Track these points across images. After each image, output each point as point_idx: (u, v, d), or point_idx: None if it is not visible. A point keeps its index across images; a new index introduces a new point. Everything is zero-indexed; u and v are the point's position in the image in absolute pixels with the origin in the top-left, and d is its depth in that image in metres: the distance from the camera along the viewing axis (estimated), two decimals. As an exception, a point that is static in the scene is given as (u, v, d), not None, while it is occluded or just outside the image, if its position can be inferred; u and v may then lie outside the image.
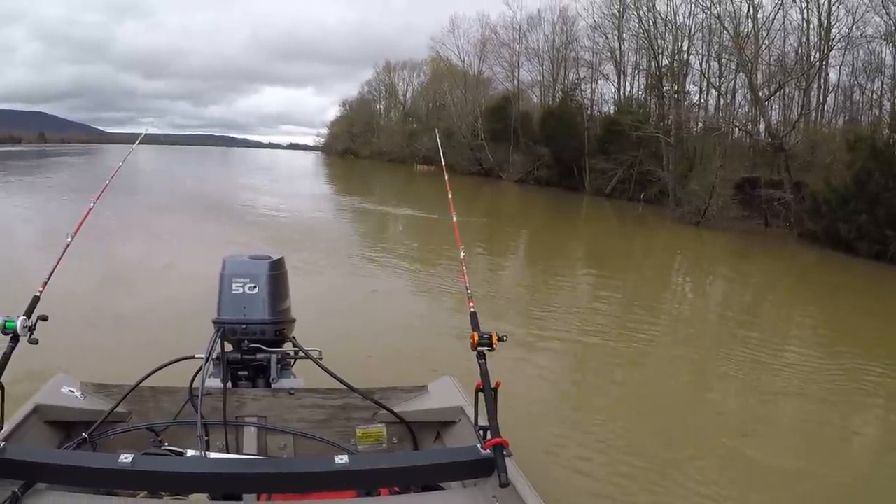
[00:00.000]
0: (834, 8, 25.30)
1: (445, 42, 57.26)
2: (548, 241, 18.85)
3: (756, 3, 26.80)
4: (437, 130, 5.91)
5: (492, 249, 16.21)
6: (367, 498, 2.17)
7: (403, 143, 63.94)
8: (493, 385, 2.13)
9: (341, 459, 1.97)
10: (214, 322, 3.03)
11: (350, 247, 14.96)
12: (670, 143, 29.39)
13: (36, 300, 2.24)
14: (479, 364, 2.17)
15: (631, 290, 11.78)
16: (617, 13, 36.15)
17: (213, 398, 2.72)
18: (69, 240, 2.51)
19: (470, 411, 2.51)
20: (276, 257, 3.24)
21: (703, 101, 33.26)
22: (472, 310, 2.36)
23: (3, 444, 1.91)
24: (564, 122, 37.51)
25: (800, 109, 26.32)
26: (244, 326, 3.03)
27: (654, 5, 32.65)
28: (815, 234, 19.42)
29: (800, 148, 24.55)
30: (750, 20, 27.07)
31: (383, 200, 27.77)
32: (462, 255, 2.73)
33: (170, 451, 2.34)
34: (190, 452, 2.33)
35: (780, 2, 26.63)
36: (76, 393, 2.83)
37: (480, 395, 2.14)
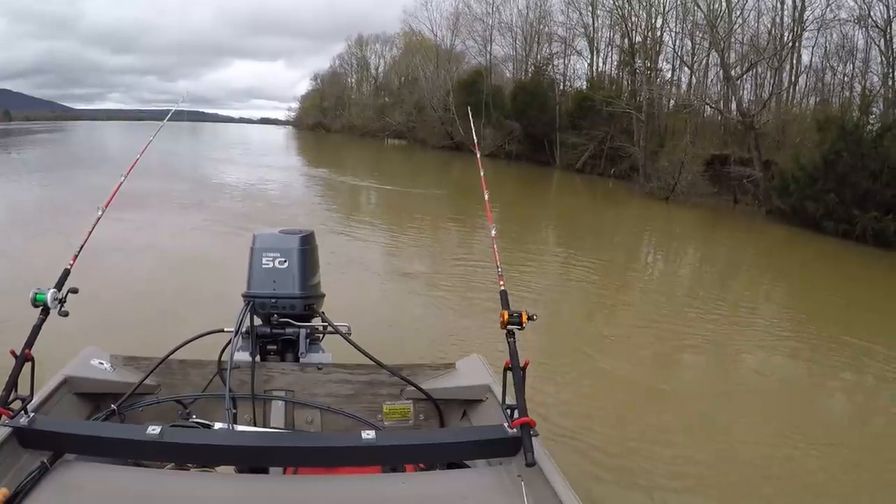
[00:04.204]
0: (809, -12, 25.21)
1: (418, 15, 57.09)
2: (518, 215, 18.71)
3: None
4: (469, 110, 5.91)
5: (462, 223, 16.20)
6: (392, 473, 2.18)
7: (375, 117, 63.62)
8: (521, 364, 2.09)
9: (368, 435, 1.97)
10: (244, 296, 3.02)
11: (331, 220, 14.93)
12: (641, 119, 29.28)
13: (66, 273, 2.24)
14: (509, 343, 2.14)
15: (598, 265, 11.70)
16: (592, -11, 35.86)
17: (242, 372, 2.75)
18: (100, 213, 2.53)
19: (497, 390, 2.52)
20: (306, 232, 3.20)
21: (675, 78, 33.30)
22: (502, 288, 2.34)
23: (32, 414, 1.96)
24: (536, 97, 37.32)
25: (771, 89, 26.34)
26: (274, 301, 3.00)
27: (628, -19, 32.40)
28: (782, 212, 19.47)
29: (770, 127, 24.70)
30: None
31: (369, 175, 27.78)
32: (493, 232, 2.64)
33: (197, 423, 2.37)
34: (218, 425, 2.36)
35: (754, -20, 26.50)
36: (105, 365, 2.85)
37: (509, 373, 2.12)
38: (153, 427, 1.90)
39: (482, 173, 3.10)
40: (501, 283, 2.36)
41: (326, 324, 3.07)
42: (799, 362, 7.26)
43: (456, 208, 19.44)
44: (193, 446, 1.95)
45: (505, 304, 2.24)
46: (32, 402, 2.03)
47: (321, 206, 18.69)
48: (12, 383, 1.93)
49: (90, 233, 2.41)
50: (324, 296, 3.25)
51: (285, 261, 3.05)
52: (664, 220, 20.37)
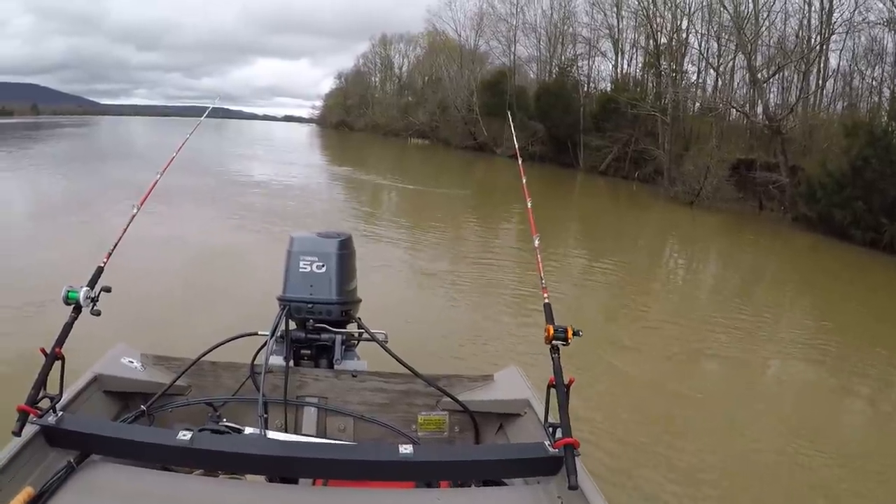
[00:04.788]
0: (836, -9, 24.86)
1: (442, 15, 56.92)
2: (540, 217, 18.64)
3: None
4: (509, 113, 5.85)
5: (485, 224, 16.18)
6: (426, 489, 2.13)
7: (398, 116, 63.69)
8: (565, 381, 2.01)
9: (406, 450, 1.92)
10: (280, 300, 2.99)
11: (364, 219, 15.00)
12: (666, 122, 29.07)
13: (100, 271, 2.22)
14: (553, 359, 2.06)
15: (620, 270, 11.61)
16: (616, -11, 35.64)
17: (275, 376, 2.71)
18: (135, 211, 2.50)
19: (536, 404, 2.51)
20: (344, 236, 3.18)
21: (700, 80, 32.94)
22: (546, 301, 2.24)
23: (61, 413, 1.94)
24: (560, 99, 37.06)
25: (798, 93, 25.99)
26: (310, 305, 2.97)
27: (653, -18, 32.18)
28: (809, 219, 19.23)
29: (797, 132, 24.28)
30: (750, 1, 26.67)
31: (393, 174, 27.76)
32: (537, 242, 2.57)
33: (228, 427, 2.33)
34: (248, 430, 2.34)
35: (781, -18, 26.20)
36: (135, 364, 2.82)
37: (552, 390, 2.04)
38: (184, 433, 1.89)
39: (524, 180, 3.07)
40: (546, 295, 2.27)
41: (363, 330, 3.02)
42: (822, 372, 7.23)
43: (480, 209, 19.58)
44: (224, 454, 1.93)
45: (549, 317, 2.16)
46: (61, 400, 2.02)
47: (346, 204, 18.92)
48: (41, 382, 1.91)
49: (125, 230, 2.40)
50: (360, 301, 3.22)
51: (323, 265, 3.03)
52: (688, 225, 20.20)
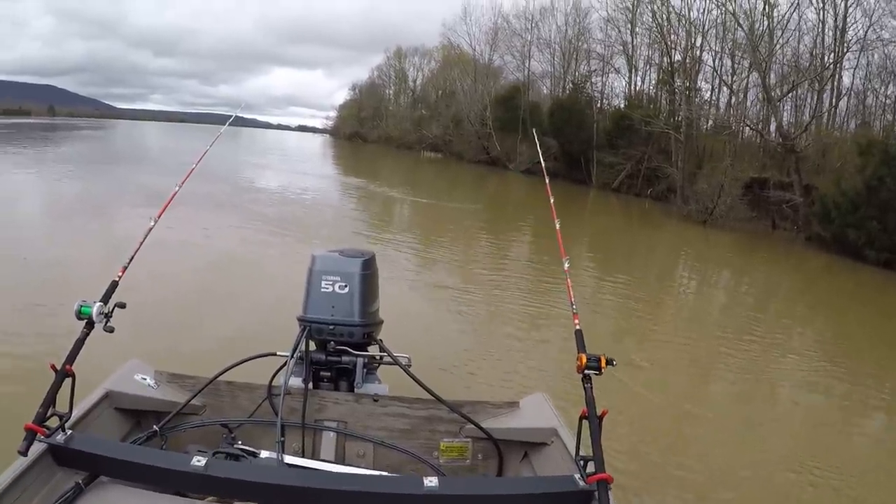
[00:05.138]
0: (850, 9, 24.89)
1: (457, 29, 57.10)
2: (551, 232, 18.68)
3: (772, 1, 26.40)
4: (534, 131, 5.63)
5: (494, 239, 16.24)
6: None
7: (412, 129, 63.98)
8: (598, 413, 1.95)
9: (430, 482, 1.85)
10: (300, 320, 2.92)
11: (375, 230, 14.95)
12: (680, 139, 29.02)
13: (114, 286, 2.17)
14: (585, 389, 2.00)
15: (633, 288, 11.61)
16: (630, 6, 35.79)
17: (293, 398, 2.66)
18: (152, 224, 2.46)
19: (563, 434, 2.48)
20: (368, 255, 3.11)
21: (714, 98, 32.93)
22: (577, 328, 2.18)
23: (70, 432, 1.89)
24: (574, 115, 36.98)
25: (812, 111, 25.96)
26: (332, 327, 2.91)
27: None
28: (822, 239, 19.16)
29: (811, 150, 24.17)
30: (765, 18, 26.67)
31: (406, 187, 27.87)
32: (566, 265, 2.52)
33: (243, 450, 2.30)
34: (264, 453, 2.30)
35: (795, 1, 26.24)
36: (149, 381, 2.76)
37: (584, 422, 1.96)
38: (198, 458, 1.82)
39: (552, 200, 3.03)
40: (577, 321, 2.20)
41: (385, 353, 2.94)
42: (835, 394, 7.18)
43: (495, 224, 19.62)
44: (239, 482, 1.85)
45: (581, 345, 2.10)
46: (72, 416, 1.96)
47: (358, 215, 18.99)
48: (50, 400, 1.86)
49: (141, 243, 2.37)
50: (382, 322, 3.14)
51: (346, 285, 2.95)
52: (702, 244, 20.15)
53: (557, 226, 2.82)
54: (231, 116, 4.30)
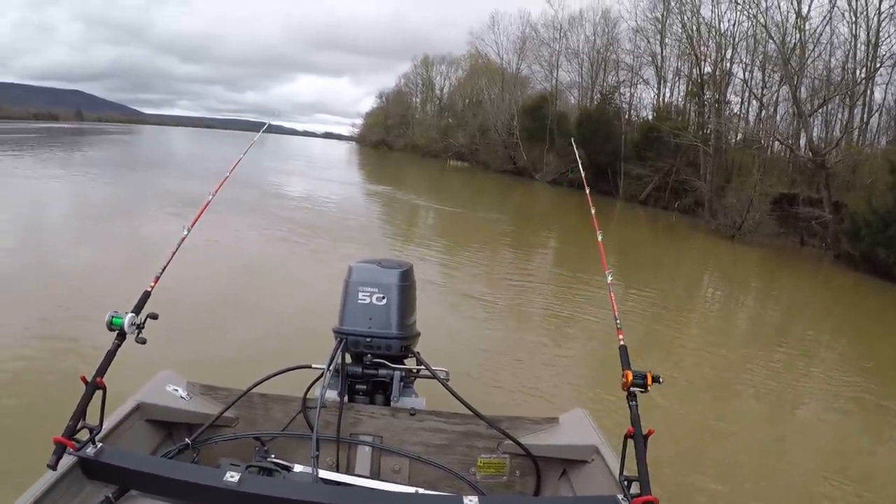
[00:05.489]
0: (884, 24, 24.66)
1: (484, 38, 57.43)
2: (577, 243, 18.66)
3: (804, 13, 26.19)
4: (573, 141, 5.32)
5: (523, 250, 16.30)
6: None
7: (438, 137, 64.20)
8: (644, 432, 1.89)
9: (470, 501, 1.81)
10: (336, 332, 2.88)
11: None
12: (709, 152, 28.93)
13: (146, 296, 2.16)
14: (630, 406, 1.95)
15: (658, 300, 11.55)
16: (660, 17, 35.77)
17: (327, 412, 2.60)
18: (185, 233, 2.45)
19: (605, 452, 2.42)
20: (406, 266, 3.05)
21: (743, 111, 32.73)
22: (621, 343, 2.14)
23: (100, 445, 1.87)
24: (602, 126, 36.96)
25: (844, 126, 25.74)
26: (368, 339, 2.85)
27: (698, 10, 32.17)
28: (851, 257, 18.94)
29: (841, 167, 23.88)
30: (797, 31, 26.48)
31: (432, 195, 27.89)
32: (609, 279, 2.48)
33: (276, 464, 2.25)
34: (298, 468, 2.25)
35: (828, 15, 26.04)
36: (180, 392, 2.73)
37: (629, 441, 1.91)
38: (231, 473, 1.78)
39: (593, 211, 2.94)
40: (620, 337, 2.15)
41: (423, 366, 2.86)
42: (858, 414, 7.09)
43: (521, 235, 19.59)
44: (273, 499, 1.79)
45: (626, 362, 2.05)
46: (102, 428, 1.95)
47: (383, 222, 19.18)
48: (80, 413, 1.84)
49: (174, 253, 2.33)
50: (419, 335, 3.07)
51: (384, 297, 2.88)
52: (729, 259, 20.01)
53: (600, 238, 2.79)
54: (265, 124, 4.31)
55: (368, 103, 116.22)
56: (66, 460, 1.80)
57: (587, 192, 3.23)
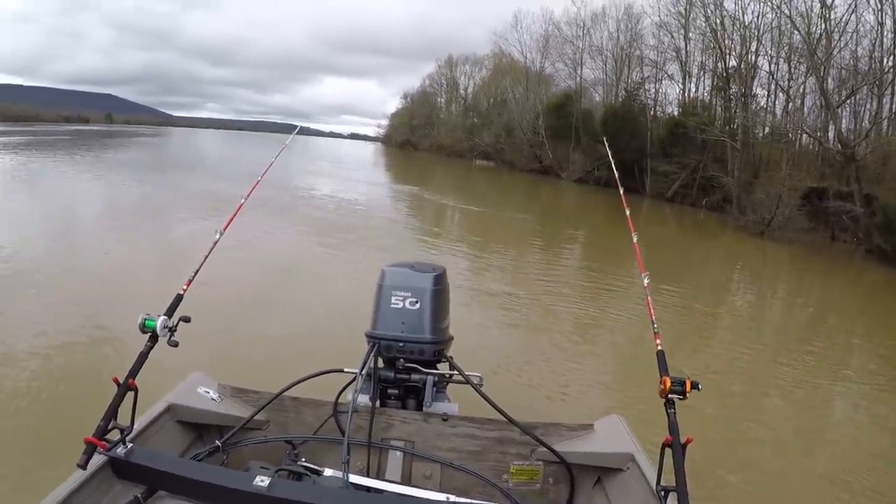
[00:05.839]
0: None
1: (508, 37, 57.55)
2: (604, 241, 18.70)
3: (828, 2, 25.90)
4: (605, 140, 5.02)
5: (551, 250, 16.27)
6: None
7: (463, 137, 64.33)
8: (682, 441, 1.83)
9: None
10: (368, 336, 2.84)
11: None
12: (736, 147, 28.75)
13: (179, 299, 2.17)
14: (668, 414, 1.89)
15: (687, 299, 11.42)
16: (683, 11, 35.60)
17: (359, 416, 2.58)
18: (218, 236, 2.45)
19: (641, 459, 2.38)
20: (439, 269, 2.98)
21: (770, 104, 32.40)
22: (659, 348, 2.06)
23: (130, 445, 1.89)
24: (627, 123, 36.89)
25: (873, 117, 25.39)
26: (401, 344, 2.80)
27: (721, 3, 31.98)
28: (883, 252, 18.75)
29: (871, 158, 23.54)
30: (822, 21, 26.20)
31: (459, 195, 27.64)
32: (646, 282, 2.40)
33: (306, 468, 2.23)
34: (328, 471, 2.21)
35: (853, 3, 25.72)
36: (211, 394, 2.73)
37: (666, 450, 1.85)
38: (261, 477, 1.77)
39: (627, 212, 2.93)
40: (658, 341, 2.07)
41: (456, 371, 2.81)
42: (890, 418, 6.92)
43: (548, 234, 19.53)
44: None
45: (664, 368, 1.98)
46: (133, 430, 1.96)
47: (411, 221, 19.27)
48: (112, 413, 1.86)
49: (206, 257, 2.34)
50: (452, 339, 3.01)
51: (417, 301, 2.84)
52: (758, 256, 19.81)
53: (635, 239, 2.73)
54: (295, 127, 4.41)
55: (394, 104, 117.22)
56: (96, 460, 1.83)
57: (621, 192, 3.24)
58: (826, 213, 22.80)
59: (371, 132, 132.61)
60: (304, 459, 2.34)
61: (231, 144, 65.17)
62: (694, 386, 1.90)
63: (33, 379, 5.19)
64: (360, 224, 15.96)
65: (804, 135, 28.63)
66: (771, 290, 15.13)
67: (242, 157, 41.54)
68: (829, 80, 26.36)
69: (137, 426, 2.11)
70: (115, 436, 1.87)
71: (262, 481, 1.75)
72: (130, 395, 1.92)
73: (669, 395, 1.89)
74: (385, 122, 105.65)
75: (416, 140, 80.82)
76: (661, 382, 1.91)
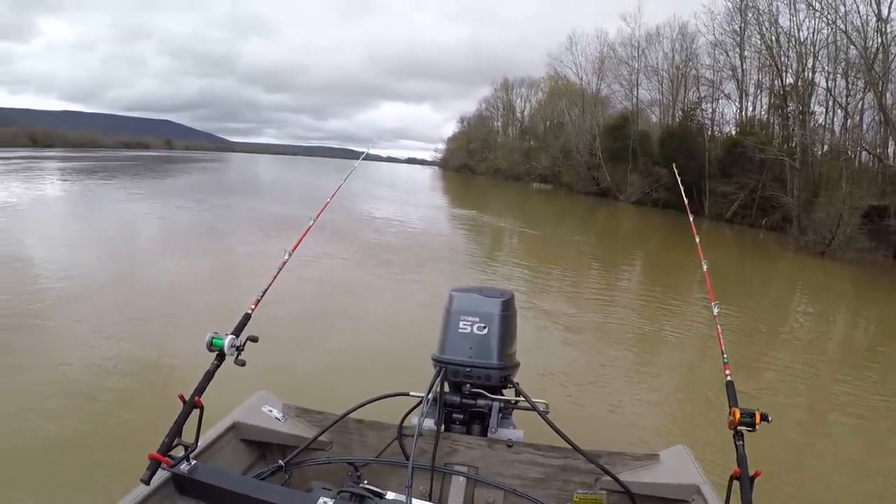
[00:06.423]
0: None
1: (563, 59, 57.92)
2: (662, 263, 18.93)
3: (884, 16, 25.61)
4: (674, 167, 4.96)
5: (606, 273, 16.42)
6: None
7: (520, 160, 64.69)
8: (751, 474, 1.83)
9: None
10: (435, 360, 2.83)
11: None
12: (795, 166, 28.55)
13: (247, 318, 2.22)
14: (737, 446, 1.89)
15: (746, 321, 11.27)
16: (738, 29, 35.64)
17: (423, 440, 2.57)
18: (286, 257, 2.50)
19: (707, 491, 2.35)
20: (507, 295, 2.97)
21: (828, 121, 31.96)
22: (728, 379, 2.09)
23: (194, 462, 1.93)
24: (684, 143, 36.80)
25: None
26: (468, 369, 2.77)
27: (776, 20, 31.96)
28: (947, 270, 18.48)
29: (932, 175, 23.22)
30: (878, 34, 25.98)
31: (519, 220, 27.28)
32: (716, 311, 2.42)
33: (369, 490, 2.14)
34: (391, 495, 2.15)
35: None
36: (275, 413, 2.77)
37: (735, 482, 1.85)
38: (324, 499, 1.79)
39: (697, 239, 2.96)
40: (728, 372, 2.09)
41: (522, 398, 2.76)
42: None
43: (608, 258, 19.55)
44: None
45: (733, 399, 2.00)
46: (197, 447, 1.99)
47: (474, 247, 19.31)
48: (177, 430, 1.89)
49: (275, 277, 2.37)
50: (519, 365, 2.98)
51: (485, 326, 2.82)
52: (819, 276, 19.66)
53: (705, 267, 2.76)
54: (363, 153, 4.46)
55: (450, 128, 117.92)
56: (160, 475, 1.86)
57: (690, 220, 3.30)
58: (887, 231, 22.55)
59: (428, 156, 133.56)
60: (366, 482, 2.28)
61: (289, 169, 66.04)
62: (764, 418, 1.92)
63: (103, 390, 5.38)
64: (422, 248, 16.24)
65: (864, 152, 28.31)
66: (833, 311, 14.96)
67: (301, 182, 42.39)
68: (888, 94, 26.11)
69: (201, 444, 2.18)
70: (178, 452, 1.91)
71: (324, 502, 1.78)
72: (195, 412, 1.98)
73: (738, 427, 1.92)
74: (441, 147, 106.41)
75: (473, 164, 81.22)
76: (730, 413, 1.93)
